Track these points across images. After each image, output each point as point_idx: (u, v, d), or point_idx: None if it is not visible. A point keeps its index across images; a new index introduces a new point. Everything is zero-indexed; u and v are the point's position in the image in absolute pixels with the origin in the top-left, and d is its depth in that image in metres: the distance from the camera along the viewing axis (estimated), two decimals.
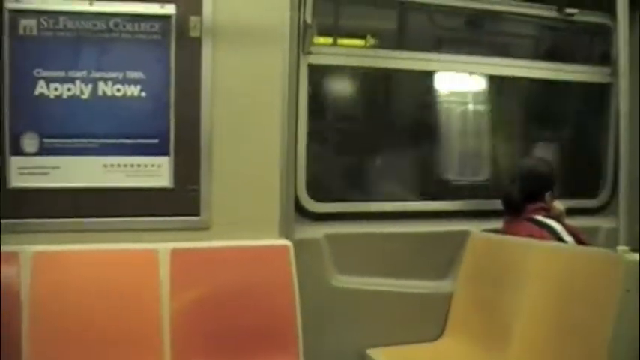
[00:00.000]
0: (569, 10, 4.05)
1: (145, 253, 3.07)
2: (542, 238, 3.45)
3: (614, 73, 2.96)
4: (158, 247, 3.08)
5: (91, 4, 3.03)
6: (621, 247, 2.81)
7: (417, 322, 3.65)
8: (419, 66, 3.98)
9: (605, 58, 4.20)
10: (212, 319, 3.10)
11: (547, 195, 3.67)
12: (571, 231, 3.58)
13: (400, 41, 4.28)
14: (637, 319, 2.70)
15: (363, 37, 4.16)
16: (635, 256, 2.78)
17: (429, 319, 3.68)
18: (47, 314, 2.85)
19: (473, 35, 4.38)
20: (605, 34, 4.17)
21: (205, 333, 3.08)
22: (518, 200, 3.71)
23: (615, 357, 2.68)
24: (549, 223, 3.56)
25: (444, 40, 4.35)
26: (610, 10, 2.98)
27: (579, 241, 3.54)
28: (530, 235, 3.46)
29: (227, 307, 3.13)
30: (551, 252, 3.25)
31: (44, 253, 2.91)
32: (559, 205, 3.77)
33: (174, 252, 3.09)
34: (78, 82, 3.03)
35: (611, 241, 2.89)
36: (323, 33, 3.83)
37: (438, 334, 3.68)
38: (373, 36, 4.17)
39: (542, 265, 3.18)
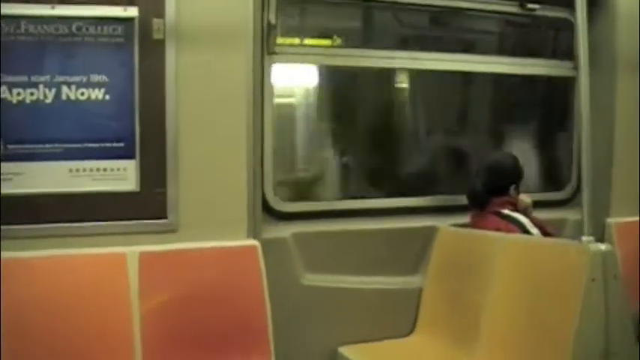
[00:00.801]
0: (530, 6, 4.09)
1: (113, 257, 3.05)
2: (508, 231, 3.49)
3: (577, 68, 2.97)
4: (126, 250, 3.06)
5: (52, 7, 3.00)
6: (586, 238, 2.85)
7: (387, 319, 3.67)
8: (384, 64, 3.99)
9: (569, 53, 4.26)
10: (182, 321, 3.09)
11: (511, 188, 3.71)
12: (537, 223, 3.63)
13: (365, 40, 4.30)
14: (602, 309, 2.75)
15: (328, 36, 4.18)
16: (600, 246, 2.82)
17: (400, 315, 3.70)
18: (16, 321, 2.81)
19: (438, 32, 4.42)
20: (568, 28, 4.22)
21: (176, 336, 3.07)
22: (482, 194, 3.75)
23: (581, 346, 2.71)
24: (516, 217, 3.61)
25: (409, 37, 4.38)
26: (570, 4, 3.00)
27: (546, 233, 3.59)
28: (497, 229, 3.50)
29: (197, 309, 3.12)
30: (518, 245, 3.29)
31: (11, 260, 2.86)
32: (526, 198, 3.81)
33: (143, 255, 3.07)
34: (41, 86, 3.00)
35: (578, 233, 2.91)
36: (288, 33, 3.84)
37: (409, 330, 3.71)
38: (339, 35, 4.19)
39: (509, 258, 3.22)
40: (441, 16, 4.28)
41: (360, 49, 4.00)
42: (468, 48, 4.46)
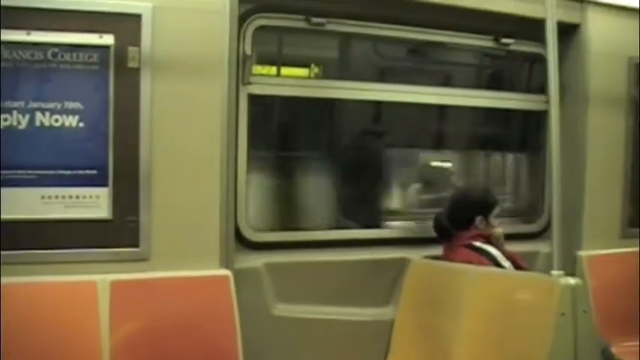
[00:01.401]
0: (505, 40, 4.14)
1: (84, 285, 3.02)
2: (480, 263, 3.51)
3: (548, 102, 3.01)
4: (97, 278, 3.03)
5: (28, 33, 2.99)
6: (555, 272, 2.87)
7: (359, 350, 3.65)
8: (361, 96, 4.02)
9: (543, 87, 4.31)
10: (153, 351, 3.06)
11: (477, 220, 3.74)
12: (509, 256, 3.64)
13: (342, 70, 4.34)
14: (571, 343, 2.77)
15: (305, 66, 4.21)
16: (569, 280, 2.84)
17: (372, 347, 3.68)
18: None
19: (415, 65, 4.46)
20: (542, 63, 4.27)
21: None
22: (446, 226, 3.79)
23: None
24: (487, 249, 3.63)
25: (386, 69, 4.43)
26: (543, 40, 3.05)
27: (517, 266, 3.61)
28: (469, 261, 3.52)
29: (168, 339, 3.10)
30: (489, 277, 3.31)
31: None
32: (497, 228, 3.83)
33: (114, 284, 3.05)
34: (15, 112, 2.99)
35: (550, 266, 2.93)
36: (264, 63, 3.86)
37: None
38: (316, 66, 4.22)
39: (481, 290, 3.23)
40: (418, 48, 4.32)
41: (337, 81, 4.02)
42: (444, 81, 4.52)
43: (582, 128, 4.12)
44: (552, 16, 3.00)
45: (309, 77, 4.23)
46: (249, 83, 3.55)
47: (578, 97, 4.12)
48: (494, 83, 4.62)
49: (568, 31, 4.08)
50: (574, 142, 4.09)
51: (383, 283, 3.80)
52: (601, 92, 4.12)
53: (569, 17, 4.05)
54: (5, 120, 2.98)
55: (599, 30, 4.13)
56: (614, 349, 3.69)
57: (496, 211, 3.83)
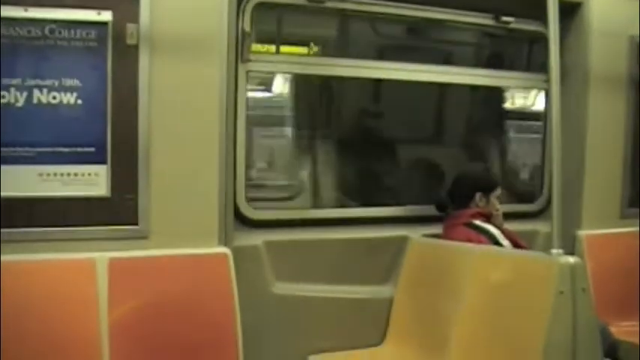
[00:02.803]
0: (505, 19, 4.12)
1: (83, 263, 3.02)
2: (479, 242, 3.52)
3: (549, 81, 3.00)
4: (95, 256, 3.03)
5: (25, 10, 2.96)
6: (555, 251, 2.87)
7: (358, 328, 3.67)
8: (360, 73, 4.00)
9: (544, 66, 4.29)
10: (151, 329, 3.07)
11: (478, 196, 3.75)
12: (508, 235, 3.65)
13: (341, 49, 4.31)
14: (570, 322, 2.77)
15: (305, 44, 4.19)
16: (568, 259, 2.85)
17: (371, 325, 3.69)
18: None
19: (414, 43, 4.45)
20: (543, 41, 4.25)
21: (145, 343, 3.05)
22: (446, 203, 3.81)
23: (549, 358, 2.74)
24: (487, 228, 3.63)
25: (385, 47, 4.41)
26: (544, 18, 3.03)
27: (516, 245, 3.62)
28: (468, 240, 3.53)
29: (166, 317, 3.10)
30: (488, 256, 3.32)
31: None
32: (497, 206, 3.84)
33: (112, 261, 3.05)
34: (12, 89, 2.97)
35: (549, 245, 2.93)
36: (263, 40, 3.83)
37: (380, 340, 3.70)
38: (315, 44, 4.20)
39: (480, 269, 3.24)
40: (417, 27, 4.30)
41: (335, 58, 4.00)
42: (443, 59, 4.50)
43: (583, 107, 4.11)
44: None
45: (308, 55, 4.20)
46: (248, 60, 3.53)
47: (578, 76, 4.11)
48: (495, 62, 4.59)
49: (569, 10, 4.06)
50: (574, 121, 4.08)
51: (382, 262, 3.80)
52: (602, 71, 4.12)
53: None
54: (3, 97, 2.96)
55: (601, 9, 4.11)
56: (612, 329, 3.70)
57: (497, 191, 3.83)
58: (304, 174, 4.34)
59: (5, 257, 2.88)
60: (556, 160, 2.96)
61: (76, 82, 3.05)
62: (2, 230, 2.93)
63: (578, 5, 4.10)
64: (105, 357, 2.94)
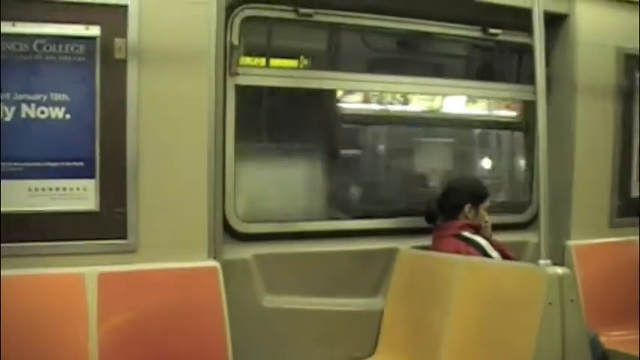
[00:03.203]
0: (492, 31, 4.15)
1: (72, 278, 3.01)
2: (468, 253, 3.52)
3: (535, 92, 3.02)
4: (85, 271, 3.02)
5: (13, 25, 2.97)
6: (543, 261, 2.88)
7: (348, 341, 3.67)
8: (350, 86, 4.01)
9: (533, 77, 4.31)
10: (141, 343, 3.06)
11: (467, 208, 3.76)
12: (497, 246, 3.65)
13: (331, 62, 4.33)
14: (559, 332, 2.77)
15: (294, 57, 4.19)
16: (557, 269, 2.85)
17: (361, 337, 3.69)
18: None
19: (405, 56, 4.46)
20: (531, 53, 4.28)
21: (134, 357, 3.03)
22: (436, 214, 3.82)
23: None
24: (476, 239, 3.63)
25: (375, 61, 4.42)
26: (530, 30, 3.06)
27: (505, 256, 3.61)
28: (457, 251, 3.53)
29: (156, 331, 3.10)
30: (477, 267, 3.32)
31: None
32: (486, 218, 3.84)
33: (102, 276, 3.04)
34: (0, 104, 2.96)
35: (538, 255, 2.93)
36: (252, 54, 3.84)
37: (371, 352, 3.70)
38: (305, 57, 4.21)
39: (469, 280, 3.24)
40: (407, 40, 4.32)
41: (325, 72, 4.02)
42: (432, 72, 4.52)
43: (570, 118, 4.13)
44: (540, 5, 3.00)
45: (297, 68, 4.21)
46: (237, 74, 3.55)
47: (566, 87, 4.12)
48: (483, 74, 4.61)
49: (555, 22, 4.08)
50: (562, 132, 4.10)
51: (372, 274, 3.81)
52: (589, 83, 4.13)
53: (557, 7, 4.05)
54: None
55: (588, 20, 4.13)
56: (602, 339, 3.71)
57: (486, 203, 3.84)
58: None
59: None
60: (543, 171, 2.97)
61: (64, 97, 3.05)
62: None
63: (564, 17, 4.12)
64: None
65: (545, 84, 3.02)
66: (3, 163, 2.99)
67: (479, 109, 4.72)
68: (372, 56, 4.35)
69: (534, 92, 3.02)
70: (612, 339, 3.80)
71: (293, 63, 4.18)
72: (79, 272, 3.02)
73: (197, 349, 3.14)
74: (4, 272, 2.89)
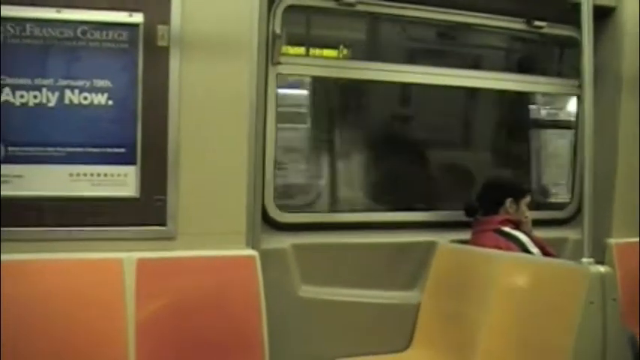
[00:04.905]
0: (537, 23, 4.09)
1: (110, 263, 3.03)
2: (508, 249, 3.49)
3: (582, 86, 2.97)
4: (123, 256, 3.04)
5: (58, 11, 2.99)
6: (585, 259, 2.84)
7: (384, 333, 3.65)
8: (390, 77, 3.98)
9: (576, 71, 4.24)
10: (178, 329, 3.07)
11: (508, 202, 3.72)
12: (538, 243, 3.61)
13: (372, 52, 4.30)
14: (599, 332, 2.74)
15: (334, 48, 4.18)
16: (599, 268, 2.81)
17: (397, 330, 3.68)
18: (12, 324, 2.78)
19: (444, 47, 4.42)
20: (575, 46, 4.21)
21: (171, 344, 3.05)
22: (477, 209, 3.79)
23: None
24: (516, 235, 3.60)
25: (415, 51, 4.39)
26: (576, 23, 3.00)
27: (546, 252, 3.58)
28: (497, 247, 3.50)
29: (193, 318, 3.10)
30: (517, 263, 3.28)
31: (8, 262, 2.84)
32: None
33: (140, 262, 3.06)
34: (44, 89, 2.99)
35: (579, 252, 2.90)
36: (294, 43, 3.83)
37: (406, 345, 3.68)
38: (346, 47, 4.19)
39: (508, 276, 3.21)
40: (448, 31, 4.28)
41: (365, 62, 3.99)
42: (473, 64, 4.47)
43: (615, 113, 4.07)
44: None
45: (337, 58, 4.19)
46: (279, 63, 3.54)
47: (611, 81, 4.06)
48: (526, 67, 4.55)
49: (602, 14, 4.01)
50: (606, 127, 4.02)
51: (409, 267, 3.79)
52: (635, 77, 4.05)
53: (605, 0, 3.98)
54: (35, 97, 2.98)
55: (634, 13, 4.05)
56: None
57: (527, 199, 3.80)
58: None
59: (35, 255, 2.92)
60: (588, 167, 2.92)
61: (107, 83, 3.07)
62: (33, 229, 2.97)
63: (611, 10, 4.06)
64: (131, 357, 2.95)
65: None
66: (45, 148, 3.01)
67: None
68: (412, 46, 4.32)
69: (579, 86, 2.97)
70: None
71: (333, 53, 4.17)
72: (117, 258, 3.04)
73: (233, 337, 3.15)
74: (46, 256, 2.93)
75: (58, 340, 2.88)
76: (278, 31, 3.45)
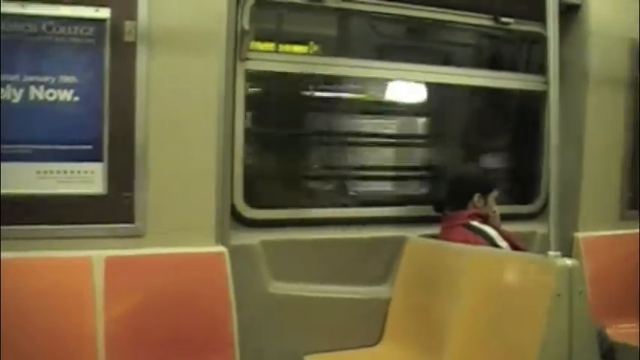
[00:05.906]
0: (504, 20, 4.12)
1: (79, 262, 3.01)
2: (476, 243, 3.51)
3: (548, 82, 2.99)
4: (92, 254, 3.01)
5: (23, 6, 2.94)
6: (552, 253, 2.86)
7: (354, 328, 3.66)
8: (359, 73, 3.99)
9: (543, 67, 4.28)
10: (147, 328, 3.05)
11: (476, 197, 3.74)
12: (506, 237, 3.64)
13: (341, 48, 4.31)
14: (567, 324, 2.77)
15: (304, 43, 4.18)
16: (566, 261, 2.84)
17: (367, 325, 3.68)
18: None
19: (414, 43, 4.44)
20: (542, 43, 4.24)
21: (141, 342, 3.03)
22: (445, 204, 3.81)
23: None
24: (484, 229, 3.62)
25: (384, 47, 4.40)
26: (543, 19, 3.03)
27: (514, 246, 3.60)
28: (465, 241, 3.52)
29: (162, 316, 3.09)
30: (485, 257, 3.31)
31: None
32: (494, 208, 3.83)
33: (109, 260, 3.03)
34: (9, 86, 2.94)
35: (547, 246, 2.92)
36: (263, 39, 3.82)
37: (376, 340, 3.69)
38: (315, 43, 4.19)
39: (476, 270, 3.23)
40: (417, 27, 4.30)
41: (335, 58, 4.00)
42: (442, 60, 4.49)
43: (581, 109, 4.11)
44: None
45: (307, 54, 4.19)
46: (247, 59, 3.52)
47: (577, 77, 4.10)
48: (493, 63, 4.58)
49: (568, 12, 4.05)
50: (573, 123, 4.07)
51: (380, 262, 3.80)
52: (601, 73, 4.11)
53: None
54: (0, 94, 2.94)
55: (600, 11, 4.10)
56: (609, 331, 3.70)
57: (495, 193, 3.83)
58: None
59: (2, 255, 2.86)
60: (553, 162, 2.95)
61: (73, 79, 3.03)
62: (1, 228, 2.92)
63: (576, 7, 4.10)
64: (101, 355, 2.93)
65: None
66: (11, 146, 2.96)
67: None
68: (382, 43, 4.33)
69: (546, 82, 3.00)
70: (620, 331, 3.79)
71: (303, 49, 4.17)
72: (86, 256, 3.01)
73: (204, 334, 3.13)
74: (10, 254, 2.88)
75: (28, 339, 2.84)
76: (246, 26, 3.43)
